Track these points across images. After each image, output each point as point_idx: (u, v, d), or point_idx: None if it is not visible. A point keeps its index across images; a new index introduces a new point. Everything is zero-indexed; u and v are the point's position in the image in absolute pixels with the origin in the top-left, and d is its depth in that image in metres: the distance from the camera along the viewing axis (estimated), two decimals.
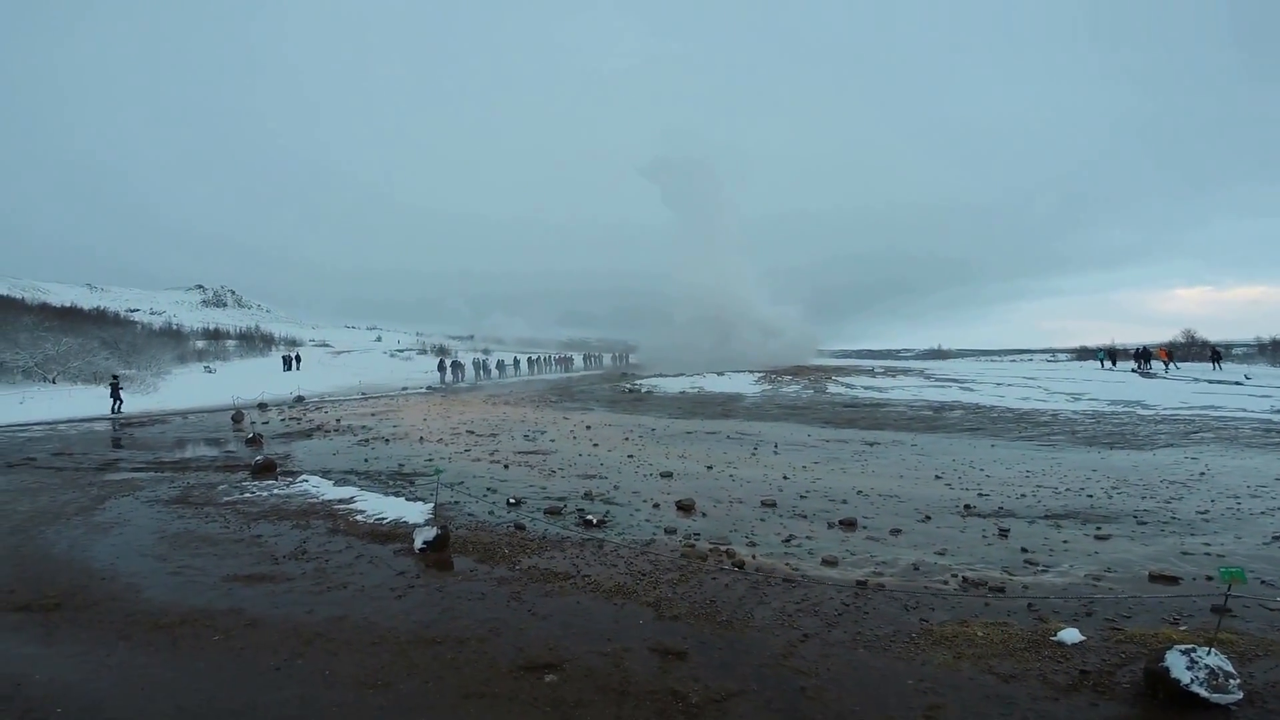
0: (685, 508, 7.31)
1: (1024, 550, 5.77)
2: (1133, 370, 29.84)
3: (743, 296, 43.34)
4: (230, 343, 38.32)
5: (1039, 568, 5.36)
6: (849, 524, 6.65)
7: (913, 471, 9.66)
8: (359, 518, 7.00)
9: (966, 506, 7.32)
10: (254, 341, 39.80)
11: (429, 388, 28.36)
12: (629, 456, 11.27)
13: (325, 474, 9.39)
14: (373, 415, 17.43)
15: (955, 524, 6.69)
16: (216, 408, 20.14)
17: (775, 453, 11.76)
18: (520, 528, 6.61)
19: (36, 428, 15.66)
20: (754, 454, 11.65)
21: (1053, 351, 59.98)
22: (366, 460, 10.58)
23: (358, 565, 5.57)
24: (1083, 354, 49.38)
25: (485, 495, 8.21)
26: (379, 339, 54.54)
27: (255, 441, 12.43)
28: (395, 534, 6.44)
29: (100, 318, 33.85)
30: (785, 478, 9.11)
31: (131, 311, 42.68)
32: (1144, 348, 32.12)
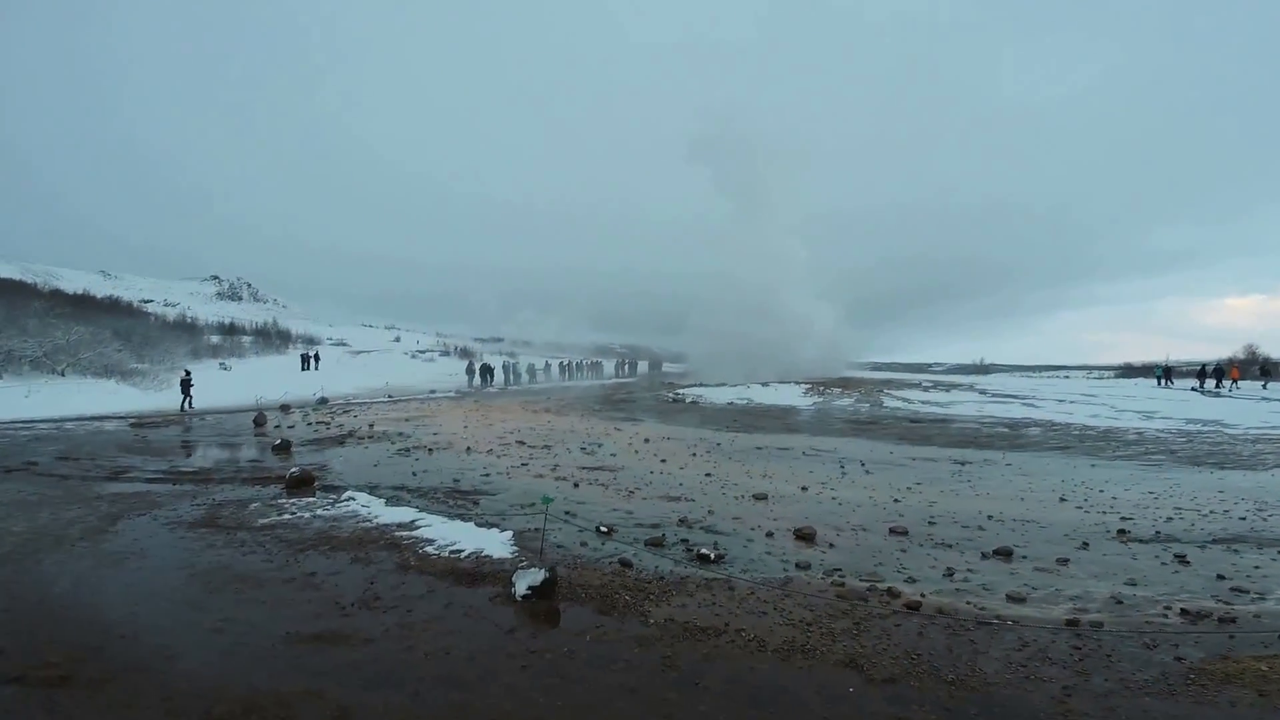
0: (805, 537, 6.37)
1: (1221, 578, 5.36)
2: (1192, 389, 28.28)
3: (785, 301, 40.72)
4: (246, 339, 37.13)
5: (1252, 595, 4.98)
6: (1004, 553, 5.98)
7: (1029, 493, 8.94)
8: (429, 549, 5.68)
9: (1121, 531, 6.80)
10: (271, 339, 38.58)
11: (459, 391, 27.03)
12: (706, 475, 10.08)
13: (372, 490, 8.06)
14: (407, 421, 16.10)
15: (1120, 550, 6.21)
16: (235, 408, 18.89)
17: (867, 472, 10.67)
18: (626, 564, 5.44)
19: (42, 425, 14.39)
20: (844, 473, 10.55)
21: (1090, 368, 57.56)
22: (415, 474, 9.25)
23: (449, 619, 4.31)
24: (1128, 371, 47.54)
25: (566, 520, 6.97)
26: (398, 339, 53.19)
27: (284, 449, 11.12)
28: (481, 573, 5.17)
29: (114, 307, 32.69)
30: (896, 500, 8.25)
31: (145, 302, 41.48)
32: (1216, 365, 30.35)
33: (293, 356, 34.36)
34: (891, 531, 6.64)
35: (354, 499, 7.36)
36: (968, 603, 4.73)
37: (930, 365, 70.29)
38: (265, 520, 6.43)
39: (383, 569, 5.19)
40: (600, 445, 12.85)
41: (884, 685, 3.52)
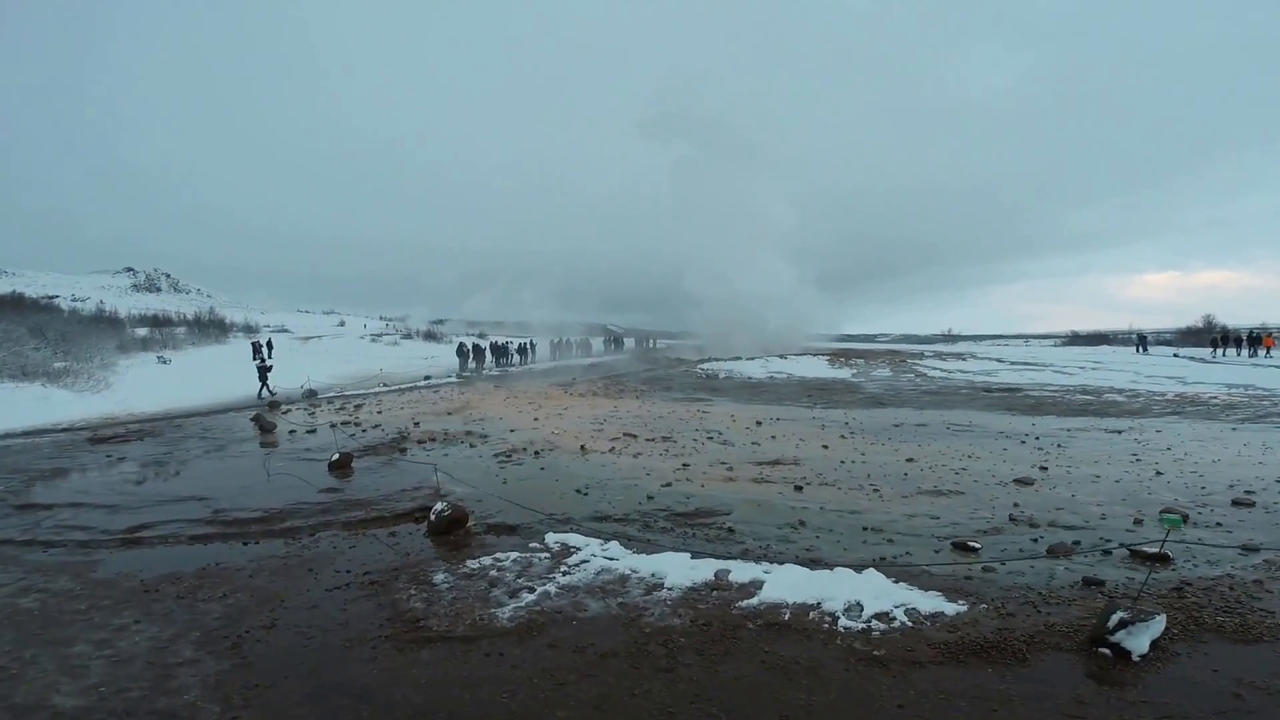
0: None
1: None
2: (1173, 355, 29.10)
3: (747, 278, 39.54)
4: (179, 330, 32.40)
5: None
6: None
7: (1252, 456, 8.33)
8: (847, 623, 3.50)
9: None
10: (207, 329, 33.86)
11: (459, 376, 23.77)
12: (908, 460, 8.40)
13: (565, 524, 5.52)
14: (449, 415, 13.16)
15: None
16: (204, 408, 15.32)
17: (1059, 446, 9.37)
18: (1094, 583, 4.04)
19: None
20: (1041, 450, 9.05)
21: (1027, 337, 63.70)
22: (580, 493, 6.71)
23: None
24: (1075, 339, 51.95)
25: (869, 540, 5.04)
26: (342, 323, 48.81)
27: (342, 465, 8.27)
28: (986, 643, 3.30)
29: (19, 303, 27.42)
30: (1158, 474, 7.37)
31: (50, 298, 35.62)
32: (1253, 332, 30.19)
33: (235, 346, 30.17)
34: (1235, 503, 6.02)
35: (578, 549, 4.78)
36: None
37: (876, 336, 72.75)
38: (506, 613, 3.75)
39: (863, 676, 2.87)
40: (720, 433, 10.54)
41: None
